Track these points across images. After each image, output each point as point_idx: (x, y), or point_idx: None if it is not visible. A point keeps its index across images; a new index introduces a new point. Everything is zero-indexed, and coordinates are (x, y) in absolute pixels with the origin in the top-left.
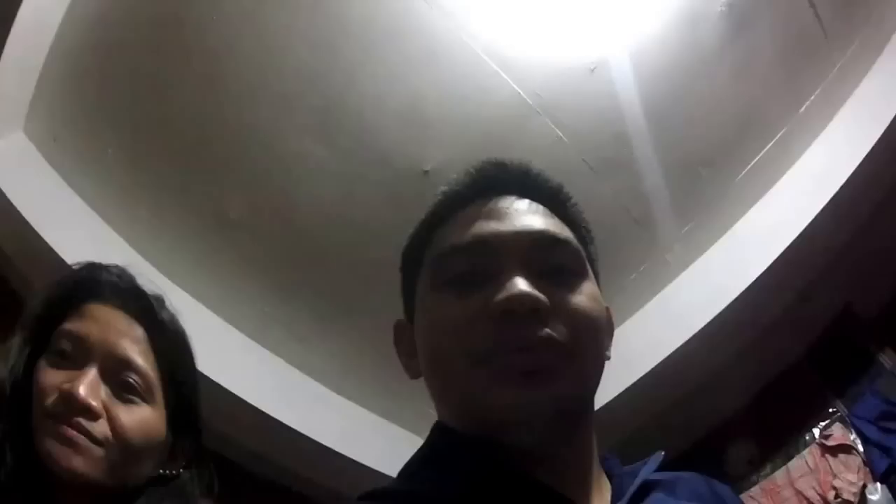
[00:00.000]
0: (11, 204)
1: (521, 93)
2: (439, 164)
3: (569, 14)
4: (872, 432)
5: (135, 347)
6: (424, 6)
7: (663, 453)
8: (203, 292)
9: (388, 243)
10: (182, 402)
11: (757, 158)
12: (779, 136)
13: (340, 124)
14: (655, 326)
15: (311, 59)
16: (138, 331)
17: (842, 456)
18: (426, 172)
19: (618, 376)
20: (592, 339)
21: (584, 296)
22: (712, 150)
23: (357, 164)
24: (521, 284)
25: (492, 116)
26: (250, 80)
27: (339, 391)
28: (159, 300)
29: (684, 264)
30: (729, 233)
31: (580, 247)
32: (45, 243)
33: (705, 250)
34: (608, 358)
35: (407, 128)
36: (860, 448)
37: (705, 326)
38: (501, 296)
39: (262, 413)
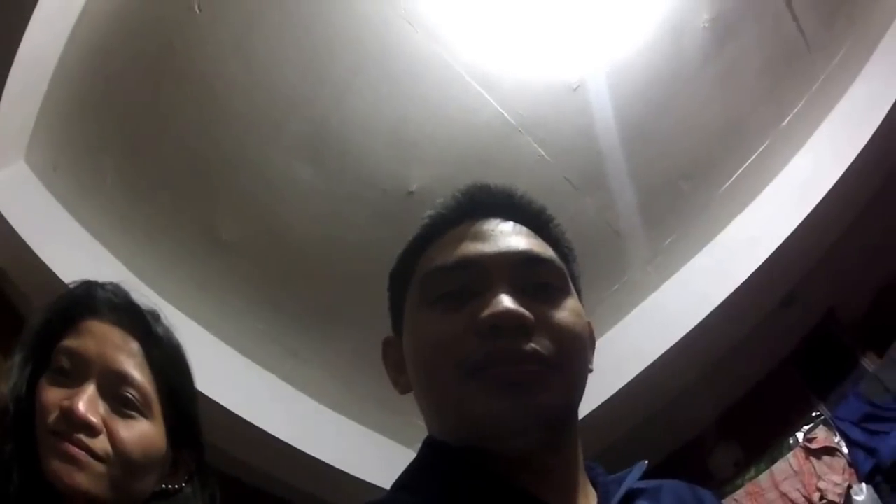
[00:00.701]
0: (13, 229)
1: (504, 113)
2: (424, 184)
3: (551, 34)
4: (856, 434)
5: (130, 361)
6: (409, 29)
7: (647, 462)
8: (197, 311)
9: (376, 260)
10: (181, 416)
11: (741, 170)
12: (762, 147)
13: (327, 146)
14: (639, 335)
15: (298, 82)
16: (134, 345)
17: (826, 458)
18: (411, 192)
19: (604, 384)
20: (576, 353)
21: (568, 311)
22: (695, 163)
23: (344, 184)
24: (507, 301)
25: (475, 136)
26: (240, 106)
27: (330, 405)
28: (154, 315)
29: (667, 275)
30: (712, 243)
31: (563, 265)
32: (45, 266)
33: (688, 260)
34: (591, 370)
35: (392, 149)
36: (844, 450)
37: (689, 333)
38: (488, 312)
39: (256, 428)
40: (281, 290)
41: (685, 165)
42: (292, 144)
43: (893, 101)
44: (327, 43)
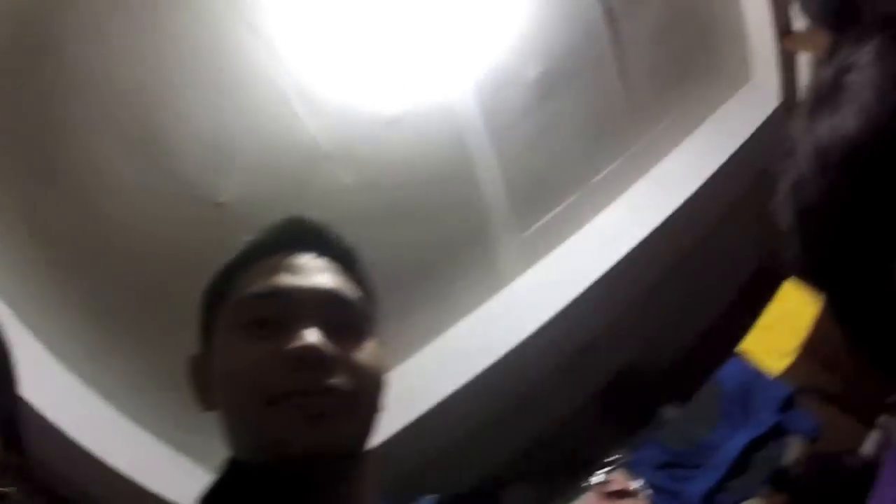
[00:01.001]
0: None
1: (322, 137)
2: (234, 197)
3: (381, 65)
4: (657, 478)
5: None
6: (250, 38)
7: (435, 496)
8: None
9: (184, 269)
10: (6, 417)
11: (545, 219)
12: (570, 200)
13: (152, 141)
14: (434, 369)
15: (138, 72)
16: None
17: (626, 500)
18: (220, 204)
19: (394, 417)
20: (372, 391)
21: (368, 352)
22: (502, 208)
23: (161, 183)
24: (312, 336)
25: (289, 157)
26: (84, 86)
27: (128, 414)
28: None
29: (465, 312)
30: (510, 287)
31: (367, 305)
32: None
33: (486, 301)
34: (384, 408)
35: (209, 156)
36: (646, 492)
37: (483, 373)
38: (294, 345)
39: (53, 427)
40: (88, 286)
41: (493, 208)
42: (120, 134)
43: (709, 175)
44: (173, 39)
